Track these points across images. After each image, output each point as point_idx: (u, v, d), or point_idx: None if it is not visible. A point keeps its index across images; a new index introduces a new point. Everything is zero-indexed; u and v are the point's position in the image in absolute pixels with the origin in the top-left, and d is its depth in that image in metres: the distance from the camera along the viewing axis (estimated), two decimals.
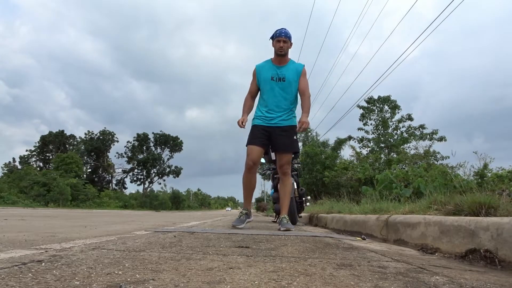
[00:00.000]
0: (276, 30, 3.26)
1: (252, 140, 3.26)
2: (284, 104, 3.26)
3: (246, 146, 3.27)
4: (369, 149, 17.23)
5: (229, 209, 72.93)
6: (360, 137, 17.72)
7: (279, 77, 3.23)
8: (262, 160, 5.45)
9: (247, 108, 3.35)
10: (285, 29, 3.25)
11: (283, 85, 3.23)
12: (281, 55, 3.22)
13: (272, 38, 3.28)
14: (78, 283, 0.86)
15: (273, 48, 3.27)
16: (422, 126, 16.22)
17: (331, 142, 19.30)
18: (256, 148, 3.22)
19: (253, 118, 3.37)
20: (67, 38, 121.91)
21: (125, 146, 53.29)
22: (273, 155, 3.67)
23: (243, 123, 3.20)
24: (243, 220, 3.22)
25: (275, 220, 6.78)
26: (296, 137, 3.40)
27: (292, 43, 3.27)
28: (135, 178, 52.81)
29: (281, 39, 3.18)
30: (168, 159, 54.07)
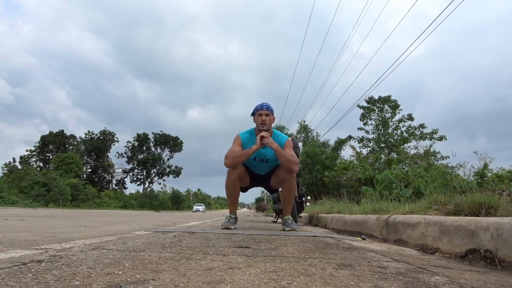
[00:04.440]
0: (257, 105, 3.13)
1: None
2: (266, 172, 3.31)
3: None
4: (369, 149, 17.24)
5: (200, 208, 44.09)
6: (360, 137, 17.74)
7: (262, 159, 3.15)
8: None
9: (241, 151, 3.08)
10: (266, 103, 3.12)
11: (265, 165, 3.21)
12: (264, 131, 3.03)
13: (253, 114, 3.14)
14: (78, 283, 0.86)
15: (255, 124, 3.14)
16: (422, 126, 16.23)
17: (332, 142, 19.33)
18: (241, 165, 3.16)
19: None
20: (70, 37, 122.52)
21: (125, 146, 53.38)
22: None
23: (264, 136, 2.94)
24: (232, 222, 3.12)
25: (275, 220, 6.78)
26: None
27: (275, 118, 3.14)
28: (135, 178, 52.85)
29: (263, 112, 3.04)
30: (168, 159, 54.11)
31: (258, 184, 3.50)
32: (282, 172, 3.11)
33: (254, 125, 3.21)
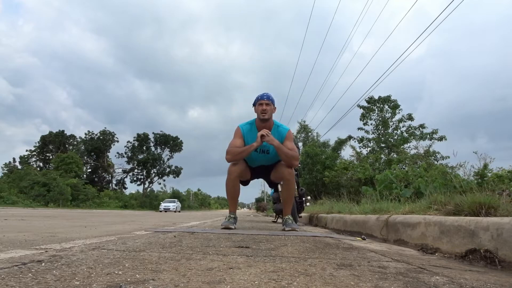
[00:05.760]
0: (258, 95, 3.12)
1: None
2: (268, 167, 3.29)
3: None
4: (369, 149, 17.24)
5: (171, 206, 32.79)
6: (360, 137, 17.74)
7: (263, 150, 3.13)
8: None
9: (242, 147, 3.07)
10: (267, 93, 3.11)
11: (266, 157, 3.19)
12: (264, 120, 3.04)
13: (254, 104, 3.13)
14: (78, 283, 0.86)
15: (255, 114, 3.13)
16: (422, 126, 16.23)
17: (332, 142, 19.35)
18: (242, 161, 3.17)
19: None
20: (70, 37, 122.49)
21: (125, 146, 53.25)
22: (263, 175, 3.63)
23: (264, 132, 2.95)
24: (232, 222, 3.10)
25: (275, 220, 6.78)
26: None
27: (275, 108, 3.13)
28: (135, 178, 52.76)
29: (263, 101, 3.03)
30: (168, 159, 54.06)
31: (259, 175, 3.48)
32: (282, 170, 3.11)
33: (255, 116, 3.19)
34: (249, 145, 2.99)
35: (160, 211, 29.10)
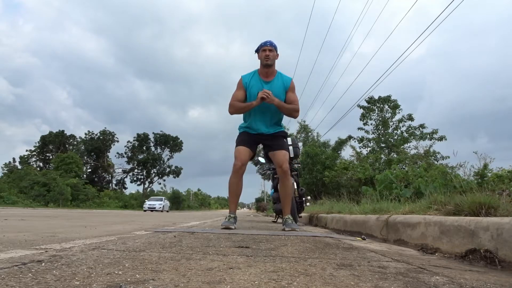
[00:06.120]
0: (261, 42, 3.15)
1: (239, 142, 3.24)
2: (271, 119, 3.25)
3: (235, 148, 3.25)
4: (369, 149, 17.25)
5: (157, 205, 28.23)
6: (360, 137, 17.75)
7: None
8: (262, 160, 5.46)
9: (243, 103, 3.13)
10: (270, 40, 3.15)
11: (269, 105, 3.15)
12: (267, 65, 3.07)
13: (257, 50, 3.16)
14: (78, 283, 0.86)
15: (259, 61, 3.14)
16: (422, 126, 16.24)
17: (332, 142, 19.37)
18: (244, 148, 3.18)
19: (240, 127, 3.35)
20: (71, 37, 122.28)
21: (125, 146, 53.27)
22: (261, 158, 3.63)
23: (264, 94, 2.94)
24: (232, 222, 3.10)
25: (275, 220, 6.79)
26: (287, 140, 3.40)
27: (278, 54, 3.15)
28: (135, 178, 52.79)
29: (266, 48, 3.06)
30: (168, 159, 54.09)
31: (260, 142, 3.43)
32: (277, 165, 3.15)
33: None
34: (249, 103, 3.08)
35: (145, 211, 25.33)
